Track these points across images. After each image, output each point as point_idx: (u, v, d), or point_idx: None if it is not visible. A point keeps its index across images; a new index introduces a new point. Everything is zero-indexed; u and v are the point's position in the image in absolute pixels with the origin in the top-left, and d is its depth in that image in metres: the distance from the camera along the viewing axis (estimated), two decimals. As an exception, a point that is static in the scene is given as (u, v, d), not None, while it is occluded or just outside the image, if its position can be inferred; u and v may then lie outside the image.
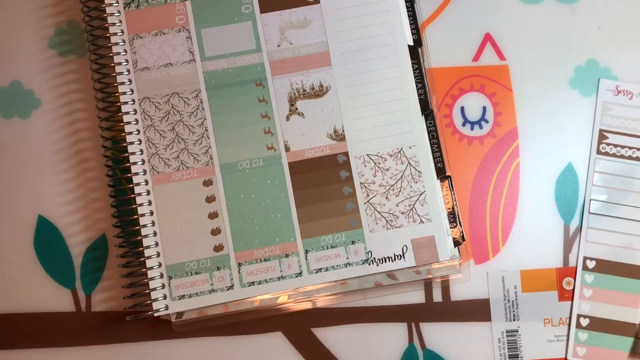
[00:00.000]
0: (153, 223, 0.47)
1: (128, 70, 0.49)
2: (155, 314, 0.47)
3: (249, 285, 0.47)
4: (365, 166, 0.48)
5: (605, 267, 0.50)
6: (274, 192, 0.48)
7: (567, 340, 0.49)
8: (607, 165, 0.50)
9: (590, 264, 0.50)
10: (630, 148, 0.50)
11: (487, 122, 0.51)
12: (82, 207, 0.51)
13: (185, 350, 0.50)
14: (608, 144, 0.50)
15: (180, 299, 0.47)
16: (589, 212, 0.50)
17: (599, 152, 0.50)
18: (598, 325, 0.49)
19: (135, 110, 0.48)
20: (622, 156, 0.50)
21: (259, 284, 0.47)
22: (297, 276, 0.47)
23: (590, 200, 0.50)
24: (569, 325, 0.49)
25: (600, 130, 0.50)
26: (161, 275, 0.47)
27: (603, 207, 0.50)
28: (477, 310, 0.50)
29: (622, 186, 0.50)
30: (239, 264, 0.47)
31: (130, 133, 0.48)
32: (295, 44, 0.49)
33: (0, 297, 0.50)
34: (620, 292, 0.49)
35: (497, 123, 0.51)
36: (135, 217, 0.47)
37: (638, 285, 0.49)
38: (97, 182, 0.51)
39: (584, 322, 0.49)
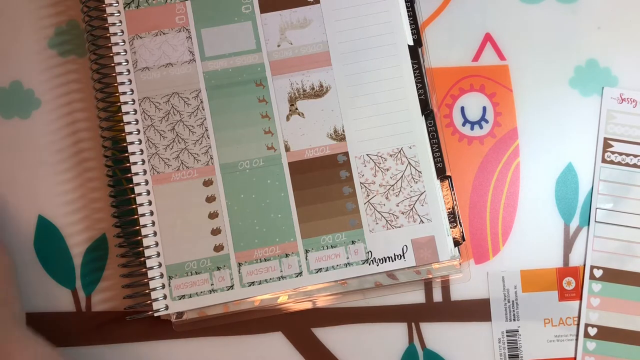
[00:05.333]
0: (153, 223, 0.47)
1: (128, 70, 0.49)
2: (155, 314, 0.47)
3: (249, 285, 0.47)
4: (365, 166, 0.48)
5: (612, 275, 0.49)
6: (274, 192, 0.48)
7: (575, 350, 0.49)
8: (613, 173, 0.50)
9: (597, 273, 0.49)
10: (636, 156, 0.50)
11: (487, 122, 0.51)
12: (82, 207, 0.51)
13: (185, 350, 0.50)
14: (613, 152, 0.50)
15: (180, 299, 0.47)
16: (595, 221, 0.50)
17: (604, 160, 0.50)
18: (607, 334, 0.49)
19: (135, 110, 0.48)
20: (627, 164, 0.50)
21: (259, 284, 0.47)
22: (297, 276, 0.47)
23: (597, 209, 0.50)
24: (577, 335, 0.49)
25: (605, 139, 0.50)
26: (161, 275, 0.47)
27: (609, 215, 0.50)
28: (477, 310, 0.50)
29: (628, 194, 0.50)
30: (239, 264, 0.47)
31: (130, 133, 0.48)
32: (295, 44, 0.49)
33: (0, 297, 0.50)
34: (629, 300, 0.49)
35: (497, 123, 0.51)
36: (135, 217, 0.47)
37: (646, 292, 0.49)
38: (97, 182, 0.51)
39: (592, 331, 0.49)
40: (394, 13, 0.49)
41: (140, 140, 0.48)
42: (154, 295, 0.47)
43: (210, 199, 0.48)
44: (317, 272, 0.47)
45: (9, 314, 0.46)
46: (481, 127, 0.51)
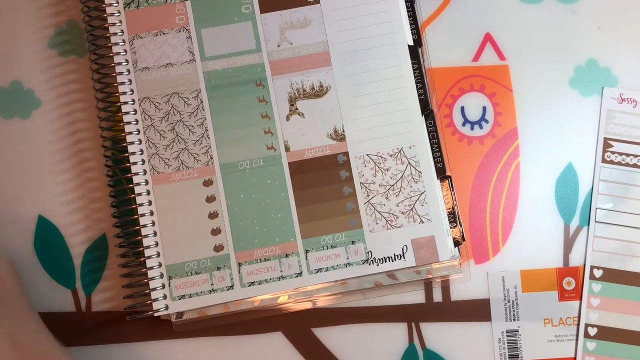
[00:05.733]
0: (153, 223, 0.47)
1: (128, 70, 0.49)
2: (156, 314, 0.47)
3: (249, 285, 0.47)
4: (365, 166, 0.48)
5: (612, 275, 0.49)
6: (274, 192, 0.48)
7: (575, 350, 0.49)
8: (613, 173, 0.50)
9: (597, 273, 0.49)
10: (636, 156, 0.50)
11: (487, 122, 0.51)
12: (82, 207, 0.51)
13: (185, 350, 0.50)
14: (613, 152, 0.50)
15: (180, 299, 0.47)
16: (595, 221, 0.50)
17: (604, 160, 0.50)
18: (607, 334, 0.49)
19: (135, 110, 0.48)
20: (627, 164, 0.50)
21: (259, 284, 0.47)
22: (297, 276, 0.47)
23: (597, 209, 0.50)
24: (577, 335, 0.49)
25: (605, 139, 0.50)
26: (161, 275, 0.47)
27: (609, 215, 0.50)
28: (477, 310, 0.50)
29: (628, 194, 0.50)
30: (239, 264, 0.47)
31: (130, 133, 0.48)
32: (295, 44, 0.49)
33: (0, 297, 0.50)
34: (629, 300, 0.49)
35: (497, 123, 0.51)
36: (135, 217, 0.47)
37: (647, 292, 0.49)
38: (97, 182, 0.51)
39: (592, 331, 0.49)
40: (394, 13, 0.49)
41: (140, 140, 0.48)
42: (154, 295, 0.47)
43: (210, 199, 0.48)
44: (317, 272, 0.47)
45: (29, 305, 0.47)
46: (481, 127, 0.51)
